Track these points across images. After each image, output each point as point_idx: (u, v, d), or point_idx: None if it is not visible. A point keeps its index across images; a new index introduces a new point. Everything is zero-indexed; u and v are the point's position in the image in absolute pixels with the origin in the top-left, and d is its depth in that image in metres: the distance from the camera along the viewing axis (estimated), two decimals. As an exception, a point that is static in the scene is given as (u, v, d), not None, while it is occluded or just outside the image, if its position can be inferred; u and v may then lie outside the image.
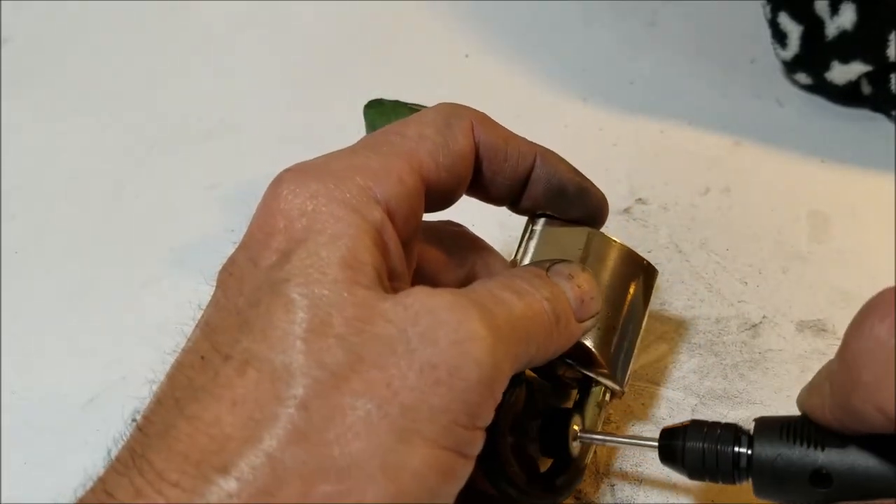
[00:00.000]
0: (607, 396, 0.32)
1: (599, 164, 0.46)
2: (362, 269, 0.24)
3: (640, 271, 0.33)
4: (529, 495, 0.29)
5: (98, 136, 0.50)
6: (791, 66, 0.47)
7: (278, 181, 0.25)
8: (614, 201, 0.44)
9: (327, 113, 0.49)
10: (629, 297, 0.32)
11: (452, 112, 0.29)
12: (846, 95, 0.47)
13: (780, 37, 0.46)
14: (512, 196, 0.31)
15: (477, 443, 0.23)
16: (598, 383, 0.32)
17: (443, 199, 0.29)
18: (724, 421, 0.28)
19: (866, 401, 0.22)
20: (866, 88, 0.46)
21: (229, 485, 0.20)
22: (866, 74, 0.45)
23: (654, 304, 0.39)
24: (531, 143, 0.31)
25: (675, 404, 0.36)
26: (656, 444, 0.29)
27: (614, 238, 0.33)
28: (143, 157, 0.48)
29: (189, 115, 0.50)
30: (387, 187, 0.25)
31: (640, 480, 0.34)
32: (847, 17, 0.43)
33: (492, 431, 0.28)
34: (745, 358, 0.37)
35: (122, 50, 0.55)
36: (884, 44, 0.43)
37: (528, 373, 0.31)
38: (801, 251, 0.41)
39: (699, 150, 0.46)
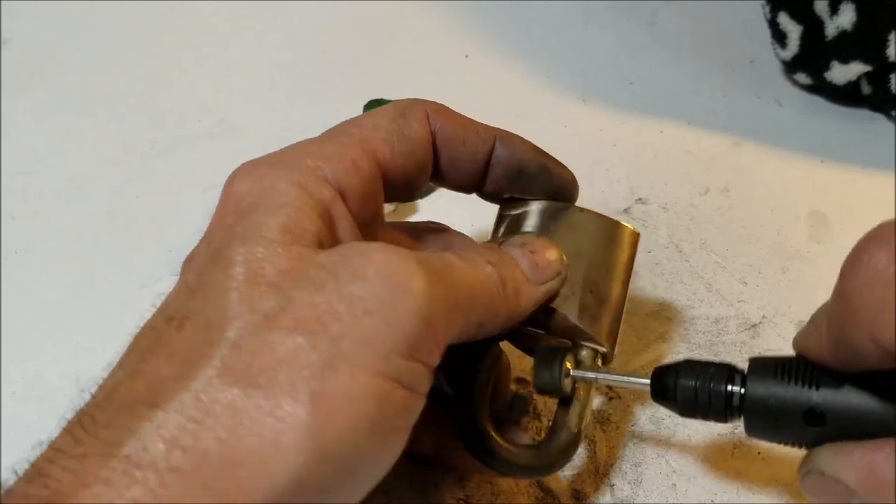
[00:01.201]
0: (599, 361, 0.32)
1: (599, 164, 0.46)
2: (303, 235, 0.25)
3: (617, 235, 0.32)
4: (512, 465, 0.29)
5: (98, 137, 0.50)
6: (791, 66, 0.47)
7: (233, 174, 0.27)
8: (614, 201, 0.44)
9: (327, 113, 0.49)
10: (606, 260, 0.32)
11: (408, 104, 0.30)
12: (846, 95, 0.47)
13: (779, 37, 0.47)
14: (476, 181, 0.32)
15: (420, 375, 0.24)
16: (584, 348, 0.31)
17: (406, 185, 0.30)
18: None
19: (862, 333, 0.22)
20: (866, 88, 0.47)
21: (158, 417, 0.21)
22: (866, 74, 0.45)
23: (654, 304, 0.40)
24: (490, 127, 0.31)
25: (675, 404, 0.36)
26: (648, 381, 0.29)
27: (586, 208, 0.33)
28: (142, 158, 0.48)
29: (189, 115, 0.50)
30: (337, 168, 0.27)
31: (640, 480, 0.34)
32: (847, 17, 0.43)
33: (467, 402, 0.29)
34: (744, 358, 0.37)
35: (122, 50, 0.55)
36: (883, 44, 0.43)
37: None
38: (801, 251, 0.41)
39: (699, 150, 0.46)
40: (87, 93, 0.52)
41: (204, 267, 0.25)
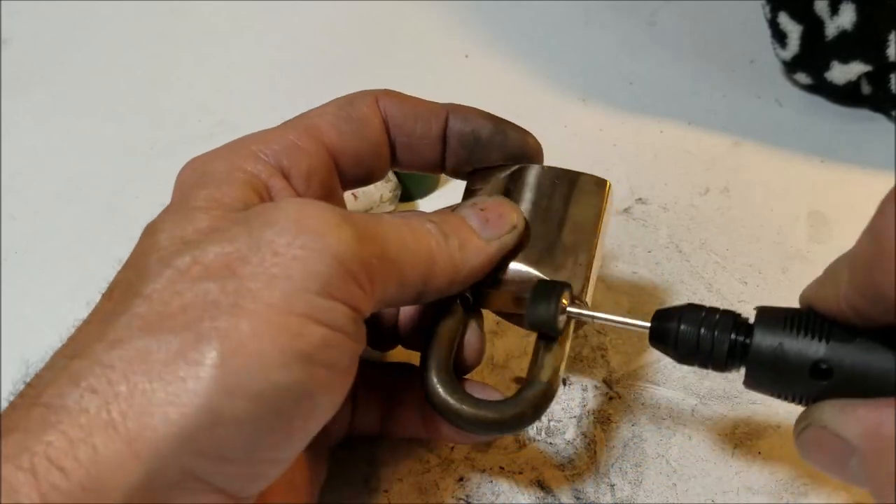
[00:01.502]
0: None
1: (599, 164, 0.46)
2: (229, 203, 0.26)
3: (582, 185, 0.32)
4: (474, 421, 0.29)
5: (98, 137, 0.50)
6: (791, 66, 0.47)
7: (183, 166, 0.29)
8: (614, 201, 0.44)
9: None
10: (571, 211, 0.31)
11: (357, 92, 0.31)
12: (846, 95, 0.47)
13: (779, 37, 0.46)
14: (436, 158, 0.32)
15: (340, 314, 0.24)
16: None
17: (361, 167, 0.31)
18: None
19: (891, 276, 0.22)
20: (866, 88, 0.46)
21: (73, 367, 0.22)
22: (866, 74, 0.45)
23: (655, 304, 0.40)
24: (442, 103, 0.32)
25: (675, 404, 0.36)
26: (648, 324, 0.28)
27: (552, 165, 0.32)
28: (143, 158, 0.48)
29: (189, 115, 0.50)
30: (277, 150, 0.28)
31: (640, 480, 0.34)
32: (847, 17, 0.43)
33: (425, 359, 0.29)
34: (744, 358, 0.37)
35: (122, 50, 0.55)
36: (883, 44, 0.43)
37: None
38: (801, 251, 0.41)
39: (699, 150, 0.46)
40: (87, 93, 0.52)
41: (138, 242, 0.26)
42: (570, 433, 0.35)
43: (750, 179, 0.45)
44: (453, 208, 0.31)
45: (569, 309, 0.29)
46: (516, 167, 0.32)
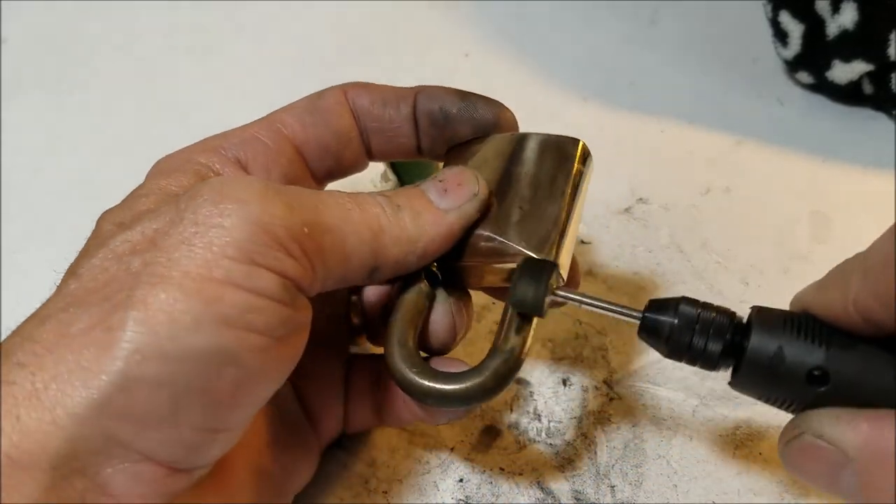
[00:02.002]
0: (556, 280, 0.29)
1: (600, 163, 0.46)
2: (175, 191, 0.27)
3: (553, 148, 0.31)
4: (431, 394, 0.28)
5: (98, 136, 0.50)
6: (792, 66, 0.47)
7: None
8: (615, 201, 0.44)
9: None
10: (540, 175, 0.30)
11: (326, 88, 0.32)
12: (847, 95, 0.47)
13: (781, 36, 0.46)
14: (411, 142, 0.32)
15: (263, 278, 0.24)
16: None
17: (330, 156, 0.31)
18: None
19: None
20: (868, 87, 0.46)
21: (7, 342, 0.24)
22: (868, 73, 0.45)
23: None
24: (411, 87, 0.32)
25: (676, 405, 0.36)
26: (640, 315, 0.27)
27: (527, 132, 0.32)
28: (142, 158, 0.48)
29: (189, 115, 0.50)
30: (234, 143, 0.30)
31: (640, 481, 0.34)
32: (848, 16, 0.43)
33: (387, 334, 0.29)
34: (746, 358, 0.37)
35: (122, 50, 0.55)
36: (885, 43, 0.43)
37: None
38: (803, 251, 0.41)
39: (700, 149, 0.46)
40: (87, 93, 0.52)
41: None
42: (571, 434, 0.35)
43: (751, 179, 0.45)
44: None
45: (557, 292, 0.28)
46: (490, 139, 0.32)
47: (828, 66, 0.45)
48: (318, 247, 0.25)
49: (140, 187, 0.29)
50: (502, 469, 0.34)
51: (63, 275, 0.26)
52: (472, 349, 0.38)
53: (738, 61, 0.50)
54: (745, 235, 0.42)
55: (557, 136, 0.31)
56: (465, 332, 0.31)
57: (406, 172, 0.43)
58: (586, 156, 0.31)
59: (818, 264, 0.40)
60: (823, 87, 0.47)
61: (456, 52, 0.52)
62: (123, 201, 0.28)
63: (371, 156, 0.33)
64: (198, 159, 0.29)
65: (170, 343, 0.22)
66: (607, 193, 0.44)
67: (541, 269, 0.28)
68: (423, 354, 0.30)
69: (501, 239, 0.29)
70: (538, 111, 0.49)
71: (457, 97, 0.32)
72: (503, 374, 0.28)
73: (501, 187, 0.30)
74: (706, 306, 0.26)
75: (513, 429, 0.36)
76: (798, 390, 0.24)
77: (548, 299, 0.28)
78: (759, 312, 0.26)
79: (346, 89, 0.32)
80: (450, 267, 0.30)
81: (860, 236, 0.42)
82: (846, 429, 0.23)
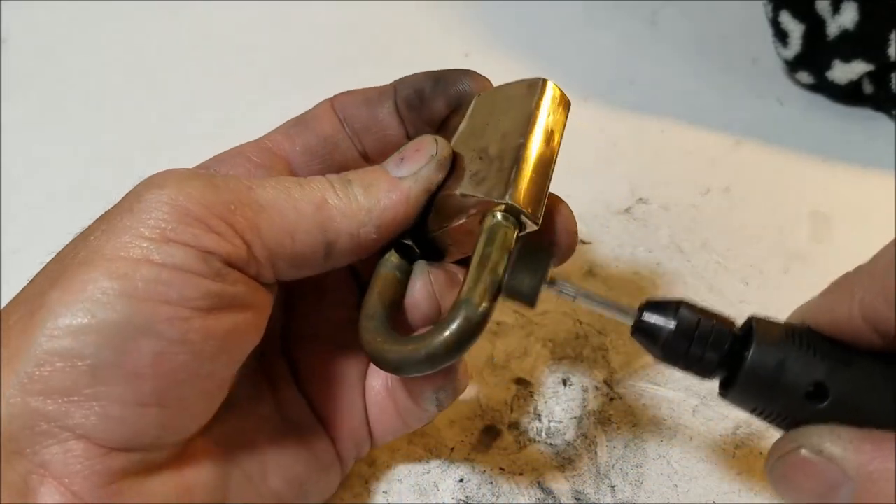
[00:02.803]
0: (514, 232, 0.28)
1: (600, 163, 0.46)
2: None
3: (516, 93, 0.30)
4: (391, 361, 0.27)
5: (98, 136, 0.50)
6: (792, 66, 0.47)
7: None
8: (615, 201, 0.44)
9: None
10: (502, 122, 0.29)
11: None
12: (848, 95, 0.47)
13: (781, 36, 0.46)
14: (399, 134, 0.32)
15: (182, 255, 0.24)
16: (493, 213, 0.27)
17: (317, 160, 0.32)
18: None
19: None
20: (868, 88, 0.46)
21: None
22: (868, 74, 0.45)
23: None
24: (391, 83, 0.33)
25: (676, 405, 0.36)
26: (636, 315, 0.26)
27: (495, 87, 0.31)
28: (142, 158, 0.48)
29: (189, 115, 0.50)
30: (224, 159, 0.31)
31: (641, 481, 0.34)
32: (848, 17, 0.43)
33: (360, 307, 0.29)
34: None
35: (123, 50, 0.55)
36: (885, 43, 0.43)
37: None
38: (803, 251, 0.41)
39: (700, 149, 0.46)
40: (86, 92, 0.52)
41: None
42: (571, 434, 0.35)
43: (751, 179, 0.45)
44: None
45: (557, 286, 0.27)
46: (468, 108, 0.31)
47: (828, 66, 0.45)
48: (252, 224, 0.26)
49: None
50: (502, 469, 0.34)
51: None
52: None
53: (738, 61, 0.50)
54: (745, 235, 0.42)
55: (523, 80, 0.30)
56: None
57: None
58: (555, 94, 0.30)
59: (818, 264, 0.41)
60: (823, 87, 0.47)
61: (456, 52, 0.52)
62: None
63: (368, 158, 0.33)
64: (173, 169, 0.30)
65: (84, 318, 0.23)
66: (607, 193, 0.44)
67: (539, 258, 0.27)
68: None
69: (459, 192, 0.28)
70: (538, 111, 0.49)
71: (429, 77, 0.32)
72: (466, 329, 0.26)
73: (468, 145, 0.30)
74: (706, 313, 0.25)
75: (513, 429, 0.36)
76: (795, 406, 0.24)
77: (542, 289, 0.27)
78: (759, 324, 0.25)
79: (332, 100, 0.33)
80: (427, 239, 0.30)
81: (860, 236, 0.42)
82: (848, 447, 0.23)
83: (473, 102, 0.31)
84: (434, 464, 0.35)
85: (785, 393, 0.24)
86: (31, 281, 0.26)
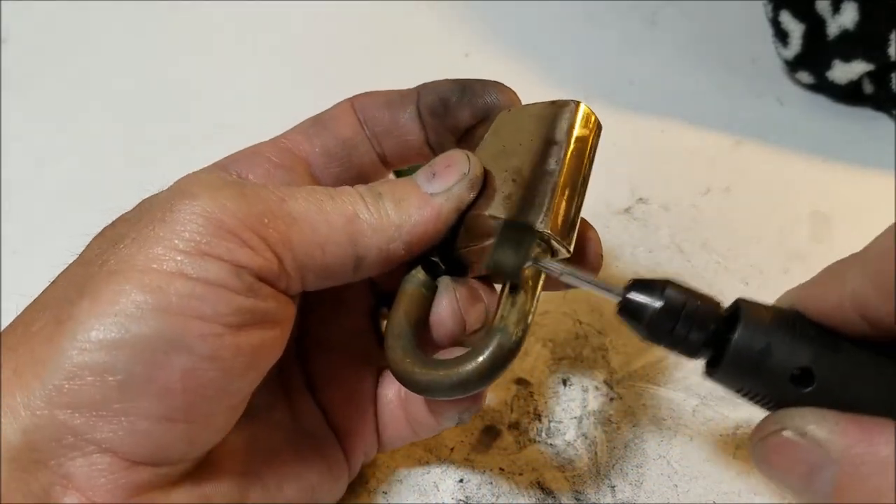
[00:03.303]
0: (548, 254, 0.28)
1: (600, 163, 0.46)
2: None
3: (547, 114, 0.29)
4: (423, 386, 0.27)
5: (98, 136, 0.50)
6: (792, 65, 0.47)
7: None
8: (615, 201, 0.44)
9: (327, 113, 0.49)
10: (533, 143, 0.29)
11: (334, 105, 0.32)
12: (848, 94, 0.47)
13: (781, 36, 0.46)
14: (419, 139, 0.32)
15: (214, 269, 0.24)
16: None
17: (336, 162, 0.31)
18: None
19: None
20: (868, 87, 0.46)
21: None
22: (868, 73, 0.45)
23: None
24: (414, 87, 0.32)
25: (676, 405, 0.36)
26: (621, 295, 0.25)
27: (524, 104, 0.31)
28: (142, 158, 0.48)
29: (189, 115, 0.50)
30: (238, 159, 0.30)
31: (641, 481, 0.34)
32: (849, 16, 0.43)
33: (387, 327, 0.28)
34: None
35: (123, 50, 0.55)
36: (885, 43, 0.43)
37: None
38: (803, 251, 0.41)
39: (700, 149, 0.46)
40: (86, 92, 0.52)
41: None
42: (571, 434, 0.35)
43: (751, 179, 0.45)
44: None
45: (542, 262, 0.27)
46: (493, 121, 0.31)
47: (828, 66, 0.45)
48: (284, 237, 0.25)
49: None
50: (502, 469, 0.34)
51: None
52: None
53: (738, 61, 0.50)
54: (745, 235, 0.42)
55: (555, 101, 0.30)
56: (480, 323, 0.30)
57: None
58: (587, 118, 0.30)
59: (818, 264, 0.40)
60: (824, 87, 0.47)
61: (456, 52, 0.52)
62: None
63: (387, 163, 0.32)
64: (196, 175, 0.29)
65: (115, 331, 0.23)
66: (607, 193, 0.44)
67: (522, 234, 0.27)
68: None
69: (490, 214, 0.28)
70: (538, 111, 0.49)
71: (455, 85, 0.32)
72: (499, 356, 0.26)
73: (499, 164, 0.29)
74: (692, 293, 0.25)
75: (513, 429, 0.36)
76: (781, 389, 0.24)
77: (528, 267, 0.27)
78: (746, 305, 0.25)
79: (352, 100, 0.32)
80: (453, 256, 0.29)
81: (860, 236, 0.42)
82: (833, 430, 0.22)
83: (499, 117, 0.31)
84: (434, 464, 0.35)
85: (770, 375, 0.24)
86: (54, 284, 0.26)
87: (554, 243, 0.28)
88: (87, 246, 0.27)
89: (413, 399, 0.31)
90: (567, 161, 0.28)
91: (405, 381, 0.28)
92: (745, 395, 0.25)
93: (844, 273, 0.24)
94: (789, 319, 0.24)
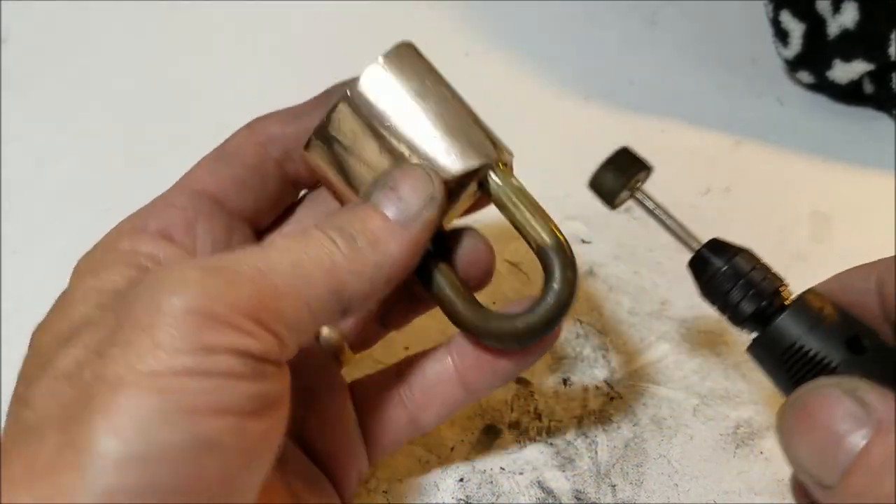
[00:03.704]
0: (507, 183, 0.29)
1: (600, 163, 0.46)
2: (110, 289, 0.27)
3: (403, 67, 0.30)
4: (500, 334, 0.28)
5: (98, 136, 0.50)
6: (793, 65, 0.47)
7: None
8: (615, 201, 0.44)
9: (327, 113, 0.49)
10: (418, 97, 0.30)
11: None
12: (848, 94, 0.47)
13: (781, 35, 0.46)
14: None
15: (219, 362, 0.23)
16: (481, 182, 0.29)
17: (251, 193, 0.31)
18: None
19: None
20: (868, 87, 0.46)
21: None
22: (868, 73, 0.45)
23: (656, 303, 0.39)
24: (314, 98, 0.32)
25: (677, 404, 0.36)
26: (696, 248, 0.28)
27: (350, 79, 0.31)
28: (142, 158, 0.48)
29: (189, 115, 0.50)
30: (150, 215, 0.30)
31: (641, 481, 0.34)
32: (849, 16, 0.43)
33: (440, 295, 0.29)
34: (746, 358, 0.37)
35: (123, 50, 0.55)
36: (886, 42, 0.43)
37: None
38: (803, 251, 0.41)
39: (700, 149, 0.46)
40: (86, 92, 0.52)
41: (27, 349, 0.27)
42: (571, 433, 0.35)
43: (751, 179, 0.45)
44: (367, 195, 0.28)
45: (638, 193, 0.29)
46: (335, 113, 0.30)
47: (828, 66, 0.45)
48: (276, 315, 0.24)
49: (69, 290, 0.28)
50: (502, 469, 0.34)
51: (9, 404, 0.25)
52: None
53: (738, 61, 0.50)
54: (746, 235, 0.42)
55: (388, 53, 0.30)
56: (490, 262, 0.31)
57: None
58: (401, 52, 0.31)
59: (818, 264, 0.41)
60: (824, 87, 0.47)
61: (456, 52, 0.52)
62: (55, 309, 0.27)
63: (300, 182, 0.32)
64: (119, 247, 0.28)
65: (145, 445, 0.21)
66: (607, 193, 0.44)
67: (631, 165, 0.29)
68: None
69: (450, 177, 0.28)
70: (539, 110, 0.49)
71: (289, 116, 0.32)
72: (571, 257, 0.28)
73: (403, 133, 0.29)
74: (760, 268, 0.27)
75: (513, 428, 0.35)
76: (833, 350, 0.24)
77: (625, 194, 0.28)
78: (805, 295, 0.26)
79: (251, 125, 0.31)
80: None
81: (860, 236, 0.42)
82: (882, 397, 0.22)
83: (344, 108, 0.30)
84: (434, 463, 0.35)
85: (823, 337, 0.24)
86: (29, 408, 0.23)
87: (510, 159, 0.29)
88: (48, 356, 0.25)
89: (473, 361, 0.30)
90: (453, 91, 0.30)
91: (488, 334, 0.28)
92: (785, 368, 0.25)
93: (876, 264, 0.25)
94: (833, 318, 0.25)
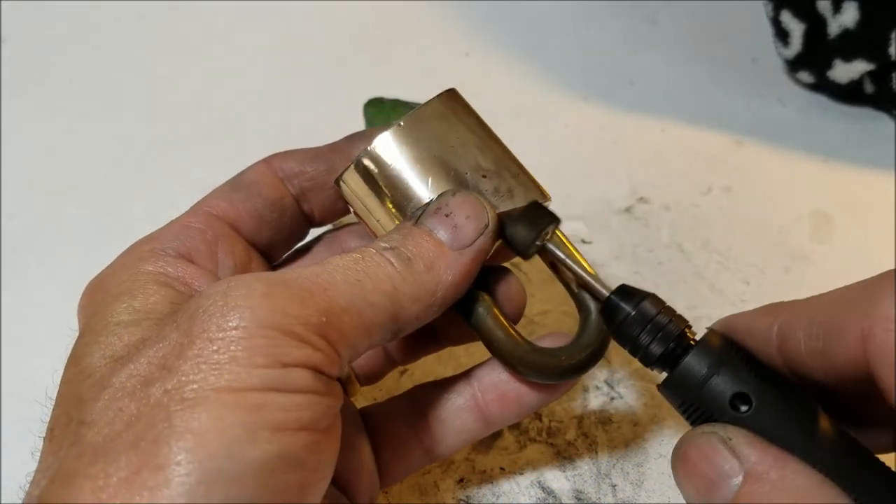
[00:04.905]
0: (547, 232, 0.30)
1: (600, 163, 0.46)
2: (155, 310, 0.26)
3: (450, 112, 0.30)
4: (545, 368, 0.29)
5: (98, 136, 0.50)
6: (793, 65, 0.47)
7: (82, 293, 0.29)
8: (616, 200, 0.44)
9: (327, 112, 0.49)
10: (466, 138, 0.30)
11: (246, 168, 0.32)
12: (848, 94, 0.47)
13: (782, 35, 0.46)
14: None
15: (295, 377, 0.23)
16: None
17: (267, 226, 0.31)
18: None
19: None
20: (869, 87, 0.46)
21: (31, 494, 0.23)
22: (869, 73, 0.45)
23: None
24: (329, 145, 0.32)
25: (677, 404, 0.36)
26: (607, 293, 0.28)
27: (411, 109, 0.30)
28: (142, 157, 0.48)
29: (188, 115, 0.50)
30: (169, 238, 0.29)
31: (641, 481, 0.34)
32: (849, 16, 0.43)
33: (484, 332, 0.29)
34: (746, 358, 0.37)
35: (122, 50, 0.55)
36: (886, 42, 0.43)
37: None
38: (803, 250, 0.41)
39: (701, 149, 0.46)
40: (86, 92, 0.52)
41: (63, 376, 0.26)
42: (572, 433, 0.35)
43: (752, 179, 0.45)
44: (416, 216, 0.28)
45: (548, 245, 0.29)
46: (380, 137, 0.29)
47: (829, 66, 0.45)
48: (339, 332, 0.24)
49: (103, 315, 0.26)
50: (503, 469, 0.34)
51: (52, 425, 0.24)
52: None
53: (738, 61, 0.50)
54: (746, 235, 0.42)
55: (435, 98, 0.30)
56: (522, 305, 0.31)
57: (377, 116, 0.43)
58: (451, 96, 0.31)
59: (818, 264, 0.41)
60: (824, 87, 0.47)
61: (456, 52, 0.52)
62: (95, 334, 0.26)
63: (313, 220, 0.32)
64: (144, 268, 0.28)
65: (229, 462, 0.21)
66: (608, 193, 0.44)
67: (542, 217, 0.29)
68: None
69: (500, 212, 0.29)
70: (539, 110, 0.49)
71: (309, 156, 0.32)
72: (601, 340, 0.30)
73: (458, 168, 0.29)
74: (666, 311, 0.27)
75: (513, 429, 0.35)
76: (720, 409, 0.25)
77: (537, 245, 0.29)
78: (708, 336, 0.26)
79: (267, 160, 0.31)
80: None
81: (860, 236, 0.42)
82: (754, 448, 0.23)
83: (395, 136, 0.29)
84: (434, 464, 0.35)
85: (712, 394, 0.25)
86: (91, 429, 0.23)
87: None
88: (105, 375, 0.24)
89: (497, 395, 0.30)
90: (491, 134, 0.30)
91: (526, 367, 0.29)
92: (685, 412, 0.26)
93: (782, 306, 0.25)
94: (742, 352, 0.26)
